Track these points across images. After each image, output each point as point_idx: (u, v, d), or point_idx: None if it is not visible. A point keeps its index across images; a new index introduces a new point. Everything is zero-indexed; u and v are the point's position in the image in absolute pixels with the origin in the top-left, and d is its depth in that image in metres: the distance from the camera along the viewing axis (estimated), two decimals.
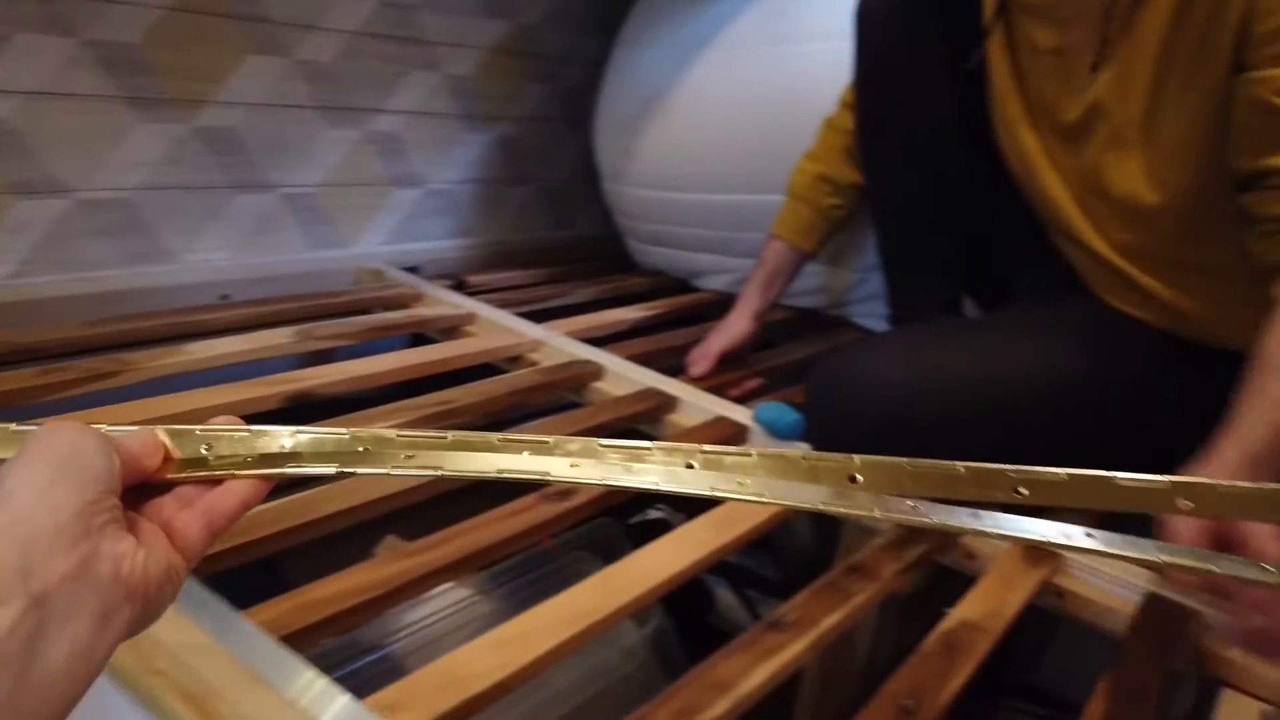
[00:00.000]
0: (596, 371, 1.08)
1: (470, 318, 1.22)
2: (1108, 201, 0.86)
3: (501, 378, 1.02)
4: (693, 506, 1.37)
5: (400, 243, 1.47)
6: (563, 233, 1.77)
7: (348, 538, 0.76)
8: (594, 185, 1.63)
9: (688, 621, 1.10)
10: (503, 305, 1.30)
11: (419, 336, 1.19)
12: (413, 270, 1.43)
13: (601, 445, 0.41)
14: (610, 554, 1.13)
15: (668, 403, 1.02)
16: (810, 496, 0.40)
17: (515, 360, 1.13)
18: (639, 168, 1.45)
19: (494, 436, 0.40)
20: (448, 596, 0.96)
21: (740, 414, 0.98)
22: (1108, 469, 0.38)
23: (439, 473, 0.39)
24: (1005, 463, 0.79)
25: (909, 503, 0.39)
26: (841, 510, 0.39)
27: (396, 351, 1.05)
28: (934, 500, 0.41)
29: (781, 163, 1.27)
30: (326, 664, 0.81)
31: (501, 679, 0.51)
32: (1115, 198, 0.84)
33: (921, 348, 0.82)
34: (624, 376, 1.07)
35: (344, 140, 1.32)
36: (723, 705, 0.54)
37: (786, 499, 0.40)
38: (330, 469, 0.39)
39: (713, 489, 0.40)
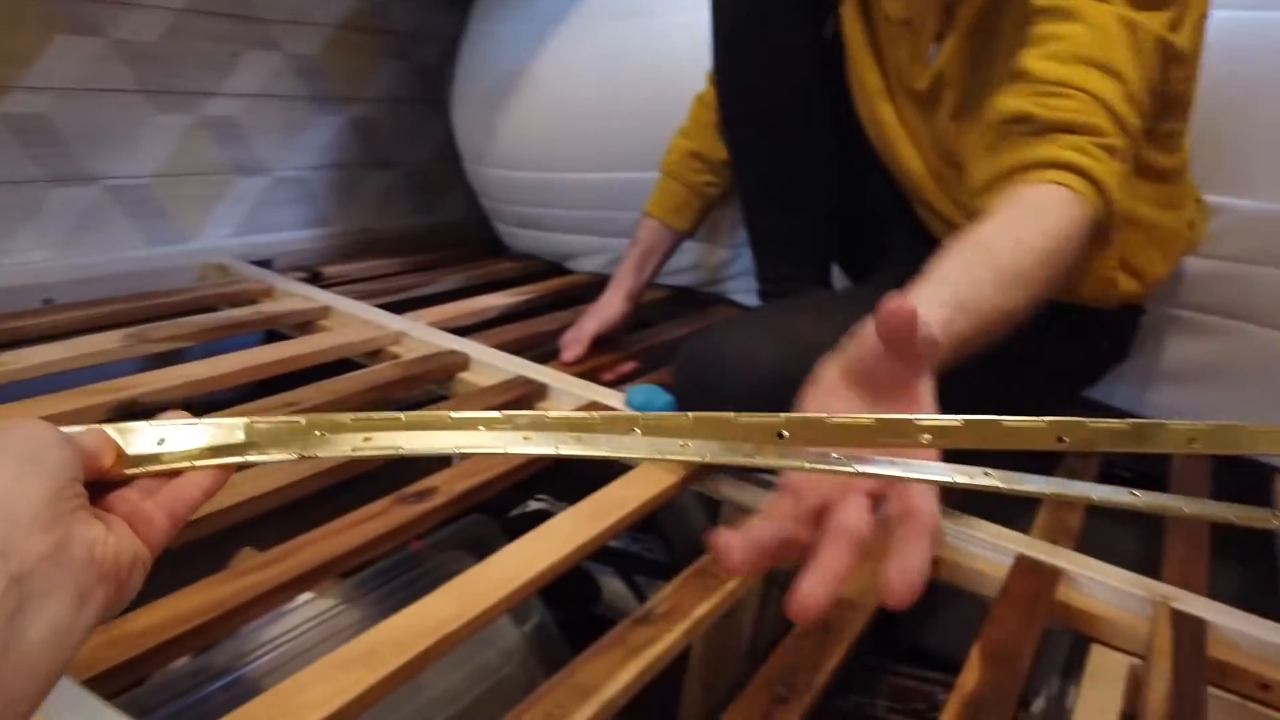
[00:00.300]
0: (462, 362, 1.03)
1: (325, 311, 1.15)
2: (959, 170, 0.86)
3: (358, 373, 0.96)
4: (575, 494, 1.34)
5: (249, 235, 1.37)
6: (427, 218, 1.70)
7: (200, 554, 0.70)
8: (458, 167, 1.56)
9: (572, 614, 1.06)
10: (362, 297, 1.23)
11: (272, 334, 1.12)
12: (264, 264, 1.34)
13: (551, 418, 0.41)
14: (485, 552, 1.08)
15: (538, 391, 0.97)
16: (747, 452, 0.41)
17: (375, 355, 1.07)
18: (502, 148, 1.39)
19: (449, 414, 0.41)
20: (309, 609, 0.90)
21: (613, 398, 0.95)
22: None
23: (399, 452, 0.40)
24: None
25: (834, 454, 0.40)
26: (777, 463, 0.41)
27: (241, 351, 0.97)
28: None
29: (648, 138, 1.23)
30: (173, 692, 0.75)
31: (341, 707, 0.46)
32: (964, 166, 0.84)
33: (787, 323, 0.80)
34: (492, 366, 1.02)
35: (175, 127, 1.22)
36: (589, 709, 0.51)
37: (725, 457, 0.41)
38: (290, 455, 0.40)
39: (660, 453, 0.41)
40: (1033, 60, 0.68)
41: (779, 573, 0.87)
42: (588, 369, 1.08)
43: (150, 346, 0.96)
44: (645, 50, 1.25)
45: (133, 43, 1.14)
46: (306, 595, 0.87)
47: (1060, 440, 0.41)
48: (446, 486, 0.74)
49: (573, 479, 1.37)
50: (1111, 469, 1.08)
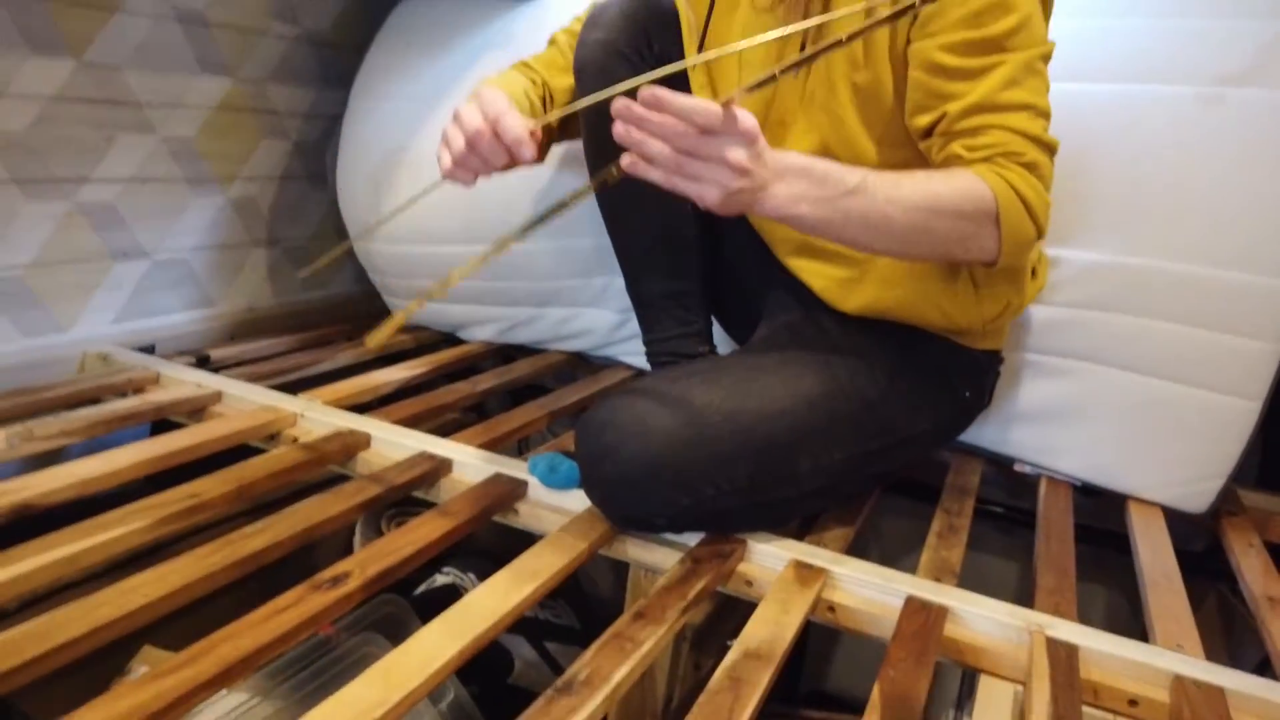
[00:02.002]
0: (363, 440, 1.03)
1: (217, 396, 1.13)
2: None
3: (257, 459, 0.95)
4: (482, 565, 1.34)
5: (130, 320, 1.34)
6: (315, 294, 1.68)
7: (99, 655, 0.68)
8: (344, 239, 1.56)
9: (487, 687, 1.07)
10: (254, 379, 1.22)
11: (161, 424, 1.09)
12: (148, 350, 1.31)
13: None
14: (397, 631, 1.08)
15: (442, 466, 0.99)
16: None
17: (273, 438, 1.06)
18: (389, 222, 1.41)
19: None
20: (223, 704, 0.88)
21: (518, 469, 0.97)
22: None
23: None
24: (777, 485, 0.83)
25: None
26: None
27: (132, 445, 0.95)
28: None
29: (530, 209, 1.28)
30: None
31: None
32: None
33: (678, 390, 0.85)
34: (393, 443, 1.03)
35: (47, 215, 1.19)
36: None
37: None
38: None
39: None
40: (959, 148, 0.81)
41: (689, 628, 0.91)
42: (489, 441, 1.10)
43: (37, 445, 0.93)
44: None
45: (2, 133, 1.11)
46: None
47: None
48: (360, 569, 0.75)
49: (479, 550, 1.38)
50: (984, 504, 1.17)
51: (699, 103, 0.65)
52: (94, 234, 1.26)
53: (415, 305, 0.80)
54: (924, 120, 0.84)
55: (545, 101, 1.03)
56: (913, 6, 0.67)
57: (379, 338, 0.78)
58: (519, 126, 0.83)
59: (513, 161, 0.86)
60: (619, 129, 0.67)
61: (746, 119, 0.66)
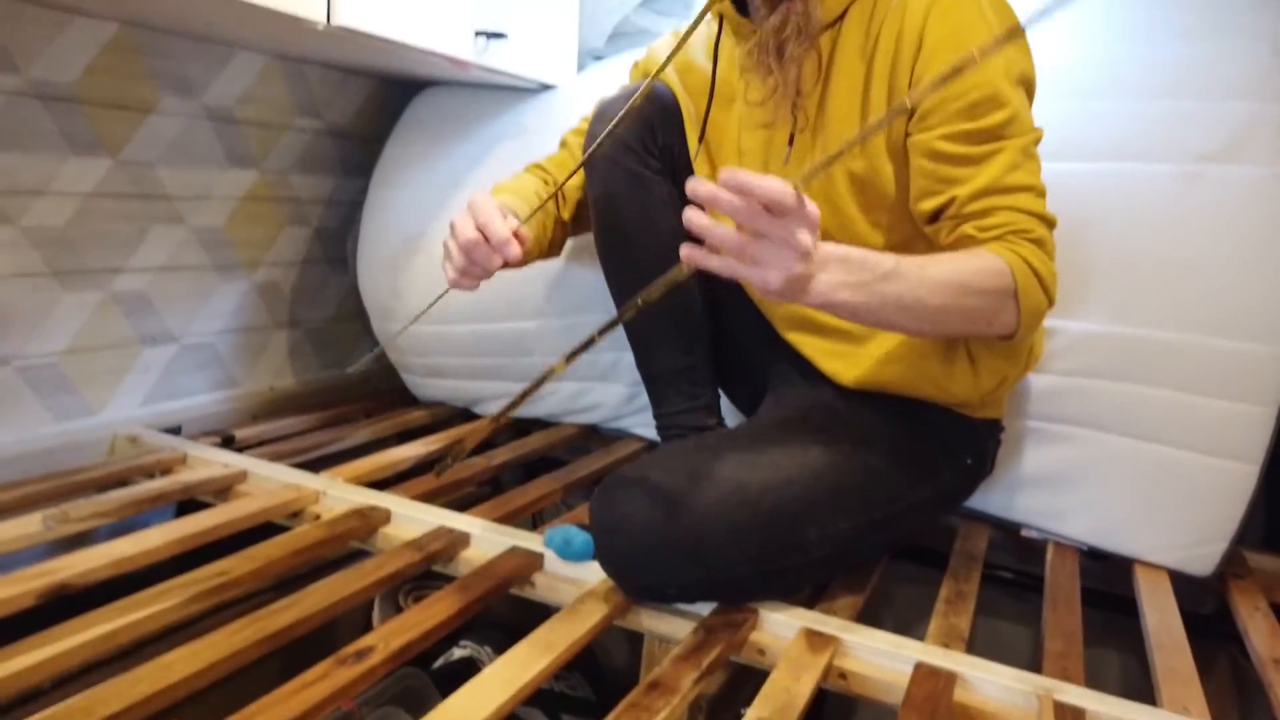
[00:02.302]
0: (383, 517, 1.07)
1: (242, 476, 1.17)
2: None
3: (281, 538, 0.98)
4: (498, 639, 1.36)
5: (158, 403, 1.39)
6: (336, 373, 1.73)
7: None
8: (364, 322, 1.62)
9: None
10: (277, 458, 1.26)
11: (188, 503, 1.13)
12: (174, 431, 1.35)
13: None
14: (418, 705, 1.10)
15: (461, 540, 1.02)
16: None
17: (296, 516, 1.09)
18: (406, 305, 1.46)
19: None
20: None
21: (533, 542, 1.00)
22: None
23: None
24: (787, 554, 0.85)
25: None
26: None
27: (162, 524, 0.99)
28: None
29: (542, 289, 1.33)
30: None
31: None
32: None
33: (688, 464, 0.88)
34: (412, 518, 1.06)
35: (84, 304, 1.25)
36: None
37: None
38: None
39: None
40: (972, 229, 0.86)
41: (703, 698, 0.92)
42: (505, 514, 1.13)
43: (72, 526, 0.96)
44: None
45: (42, 228, 1.17)
46: None
47: None
48: (384, 644, 0.77)
49: (495, 623, 1.39)
50: (992, 569, 1.18)
51: (777, 183, 0.65)
52: (125, 321, 1.32)
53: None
54: (931, 204, 0.89)
55: (557, 201, 1.10)
56: (909, 109, 0.70)
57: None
58: (503, 230, 0.89)
59: (505, 262, 0.92)
60: (689, 213, 0.68)
61: (810, 204, 0.68)
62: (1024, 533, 1.19)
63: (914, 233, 0.94)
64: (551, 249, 1.14)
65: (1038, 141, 0.89)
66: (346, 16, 1.07)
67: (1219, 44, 1.13)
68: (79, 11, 1.11)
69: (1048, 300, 0.86)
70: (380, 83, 1.62)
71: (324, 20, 1.06)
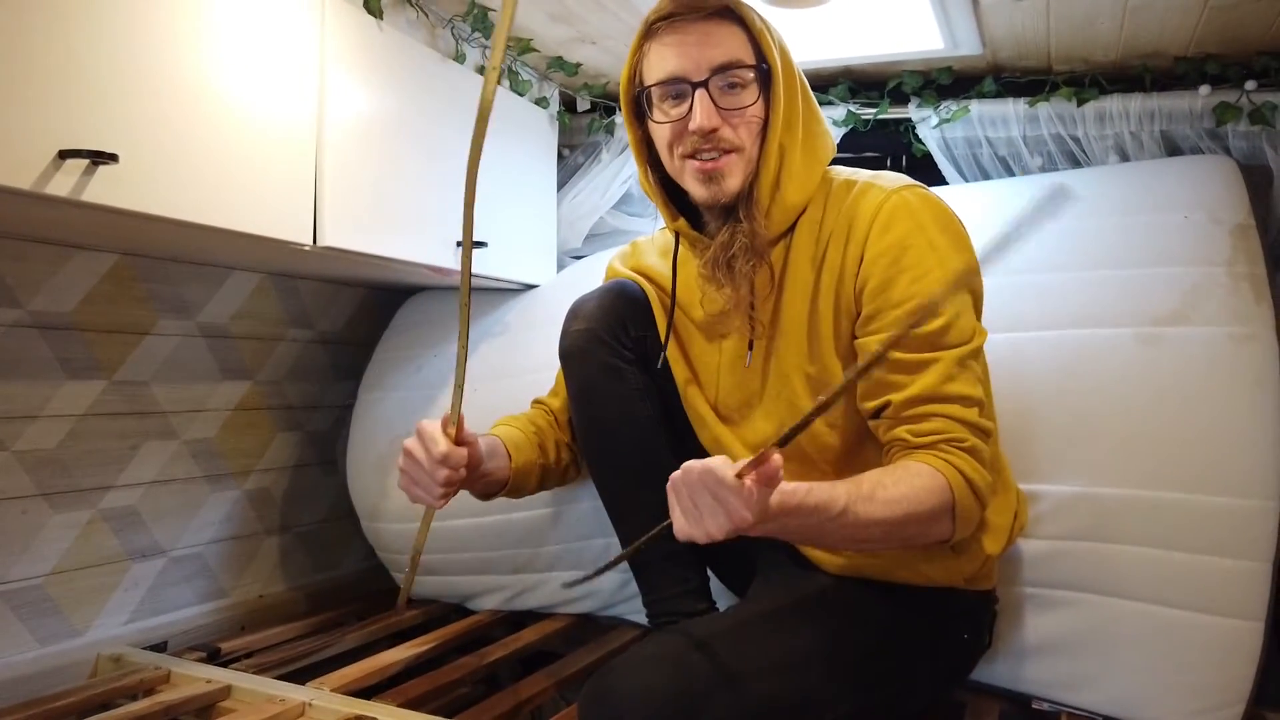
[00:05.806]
0: None
1: (226, 691, 1.14)
2: (803, 464, 0.99)
3: None
4: None
5: (144, 619, 1.37)
6: (326, 575, 1.72)
7: None
8: (355, 522, 1.62)
9: None
10: (263, 669, 1.23)
11: None
12: (160, 647, 1.32)
13: None
14: None
15: None
16: None
17: None
18: (396, 505, 1.47)
19: None
20: None
21: None
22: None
23: None
24: None
25: None
26: None
27: None
28: None
29: None
30: None
31: None
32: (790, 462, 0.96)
33: (678, 654, 0.86)
34: None
35: (72, 523, 1.26)
36: None
37: None
38: None
39: None
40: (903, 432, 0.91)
41: None
42: (499, 715, 1.09)
43: None
44: (518, 403, 1.38)
45: (34, 451, 1.20)
46: None
47: None
48: None
49: None
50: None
51: (716, 465, 0.75)
52: (114, 537, 1.32)
53: None
54: (871, 405, 0.94)
55: (558, 426, 1.20)
56: (882, 356, 0.76)
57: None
58: (441, 441, 0.95)
59: (458, 473, 0.97)
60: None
61: (775, 458, 0.73)
62: (1035, 705, 1.15)
63: (866, 432, 0.98)
64: (566, 474, 1.22)
65: (977, 349, 0.94)
66: (332, 237, 1.14)
67: (1162, 215, 1.20)
68: (81, 246, 1.18)
69: (982, 508, 0.90)
70: (370, 291, 1.69)
71: (311, 242, 1.12)
